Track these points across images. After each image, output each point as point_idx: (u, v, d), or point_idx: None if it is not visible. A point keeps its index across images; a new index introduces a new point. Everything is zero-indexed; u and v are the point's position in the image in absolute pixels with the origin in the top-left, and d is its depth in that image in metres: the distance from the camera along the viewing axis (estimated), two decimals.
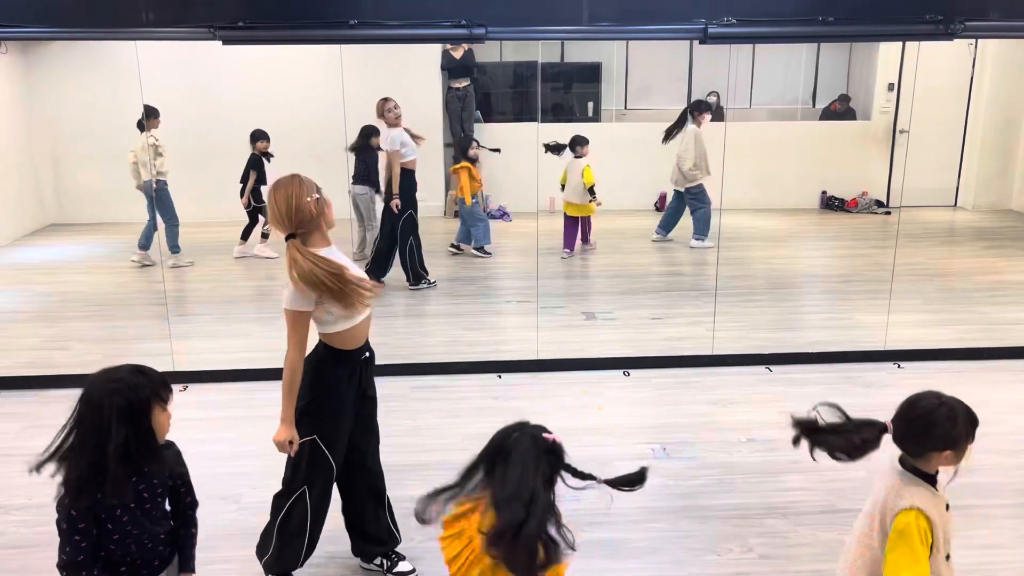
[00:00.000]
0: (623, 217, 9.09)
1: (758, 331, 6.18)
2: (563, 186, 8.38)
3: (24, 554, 3.57)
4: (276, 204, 2.99)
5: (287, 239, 2.99)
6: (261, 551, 3.30)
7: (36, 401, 5.05)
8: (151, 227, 7.82)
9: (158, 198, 7.75)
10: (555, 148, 8.21)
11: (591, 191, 8.17)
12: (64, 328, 6.42)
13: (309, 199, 2.98)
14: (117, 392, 2.26)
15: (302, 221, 2.99)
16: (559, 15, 4.92)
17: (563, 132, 9.00)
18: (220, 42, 4.73)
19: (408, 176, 7.21)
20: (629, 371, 5.49)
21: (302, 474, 3.20)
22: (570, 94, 11.23)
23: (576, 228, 8.41)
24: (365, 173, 7.89)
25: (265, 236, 8.26)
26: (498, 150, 8.78)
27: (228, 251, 8.37)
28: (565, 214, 8.40)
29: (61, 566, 2.26)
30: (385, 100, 7.21)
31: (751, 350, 5.71)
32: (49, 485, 4.18)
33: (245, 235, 8.31)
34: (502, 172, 9.68)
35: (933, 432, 2.26)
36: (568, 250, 8.40)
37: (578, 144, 8.28)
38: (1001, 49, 10.09)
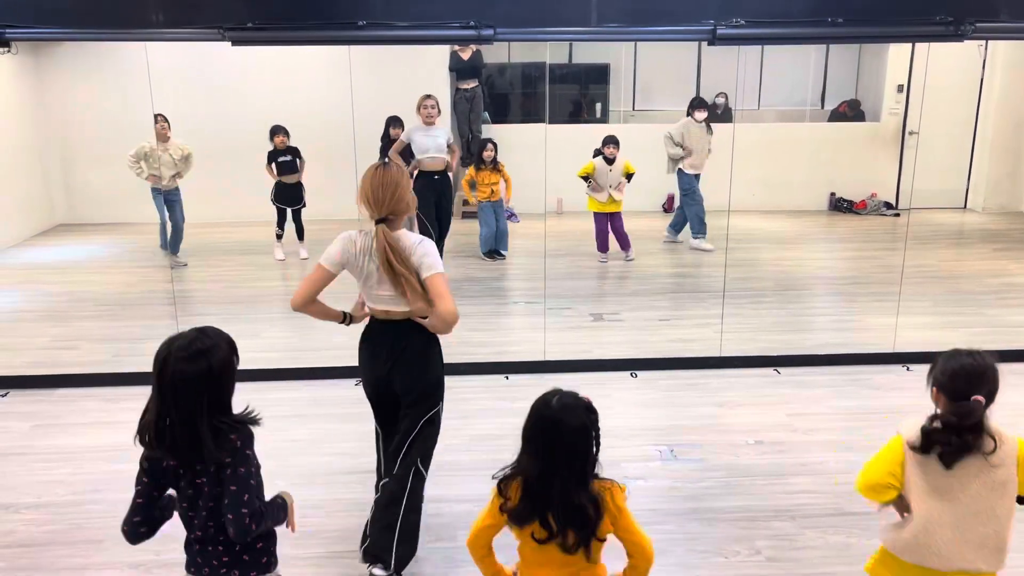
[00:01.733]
0: (631, 218, 9.04)
1: (766, 333, 6.17)
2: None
3: (33, 552, 3.58)
4: (382, 187, 3.07)
5: (377, 223, 3.08)
6: (391, 547, 3.21)
7: (45, 400, 5.05)
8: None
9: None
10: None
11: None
12: (73, 328, 6.45)
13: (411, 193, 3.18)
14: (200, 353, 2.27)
15: (396, 211, 3.10)
16: (567, 16, 4.92)
17: (571, 133, 9.01)
18: (229, 43, 4.74)
19: (422, 176, 7.21)
20: (636, 372, 5.48)
21: (428, 445, 3.38)
22: (578, 95, 11.23)
23: (604, 227, 8.31)
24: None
25: (280, 237, 8.30)
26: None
27: (237, 251, 8.40)
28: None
29: None
30: (426, 97, 7.21)
31: (759, 352, 5.70)
32: (59, 484, 4.21)
33: (282, 235, 8.34)
34: (510, 173, 9.67)
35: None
36: (602, 254, 8.34)
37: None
38: (1011, 50, 10.04)
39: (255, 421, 2.34)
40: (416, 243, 3.11)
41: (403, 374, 3.27)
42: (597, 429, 2.30)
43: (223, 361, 2.28)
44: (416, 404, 3.31)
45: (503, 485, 2.34)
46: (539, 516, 2.26)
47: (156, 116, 7.69)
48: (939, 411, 2.43)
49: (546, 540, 2.27)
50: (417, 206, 3.64)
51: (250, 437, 2.31)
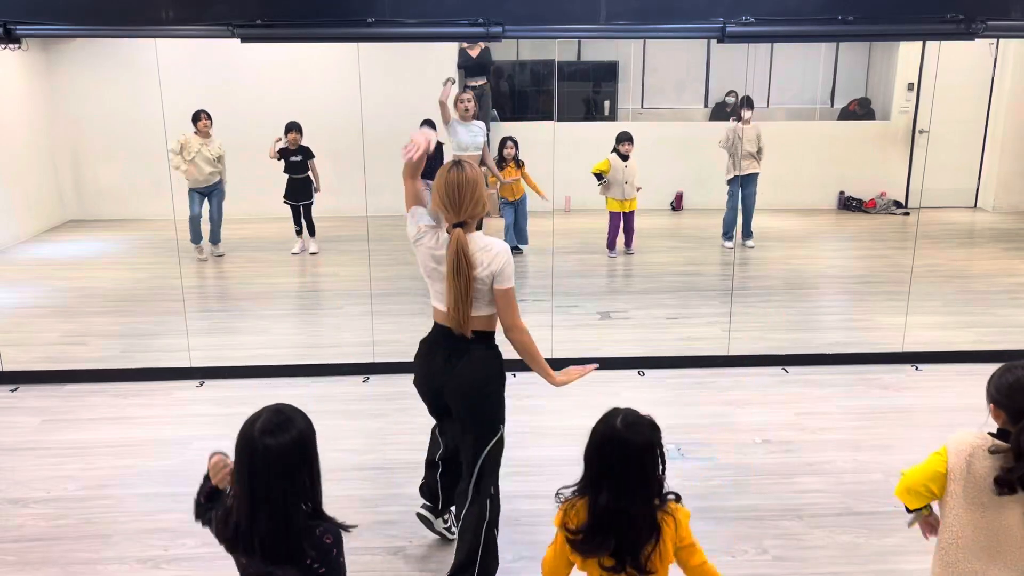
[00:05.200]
0: (639, 216, 9.03)
1: (774, 332, 6.15)
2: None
3: (44, 547, 3.60)
4: (458, 189, 2.85)
5: (454, 226, 2.88)
6: (465, 570, 3.12)
7: (54, 395, 5.07)
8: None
9: None
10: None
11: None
12: (83, 323, 6.48)
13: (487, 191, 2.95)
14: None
15: (474, 214, 2.91)
16: (576, 14, 4.91)
17: (580, 131, 8.98)
18: (239, 40, 4.75)
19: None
20: (644, 371, 5.47)
21: (497, 468, 3.18)
22: (587, 93, 11.22)
23: (617, 225, 8.39)
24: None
25: (299, 233, 8.34)
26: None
27: (245, 247, 8.42)
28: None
29: None
30: (463, 90, 7.24)
31: (767, 351, 5.68)
32: (68, 479, 4.22)
33: (300, 231, 8.40)
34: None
35: None
36: (610, 251, 8.45)
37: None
38: (1023, 49, 9.98)
39: (344, 527, 2.14)
40: (491, 251, 2.91)
41: (454, 389, 3.10)
42: (661, 447, 2.23)
43: (308, 431, 2.08)
44: (472, 425, 3.12)
45: (567, 508, 2.26)
46: (608, 547, 2.17)
47: (199, 112, 7.89)
48: (999, 426, 2.36)
49: (614, 568, 2.20)
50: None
51: (340, 539, 2.11)
